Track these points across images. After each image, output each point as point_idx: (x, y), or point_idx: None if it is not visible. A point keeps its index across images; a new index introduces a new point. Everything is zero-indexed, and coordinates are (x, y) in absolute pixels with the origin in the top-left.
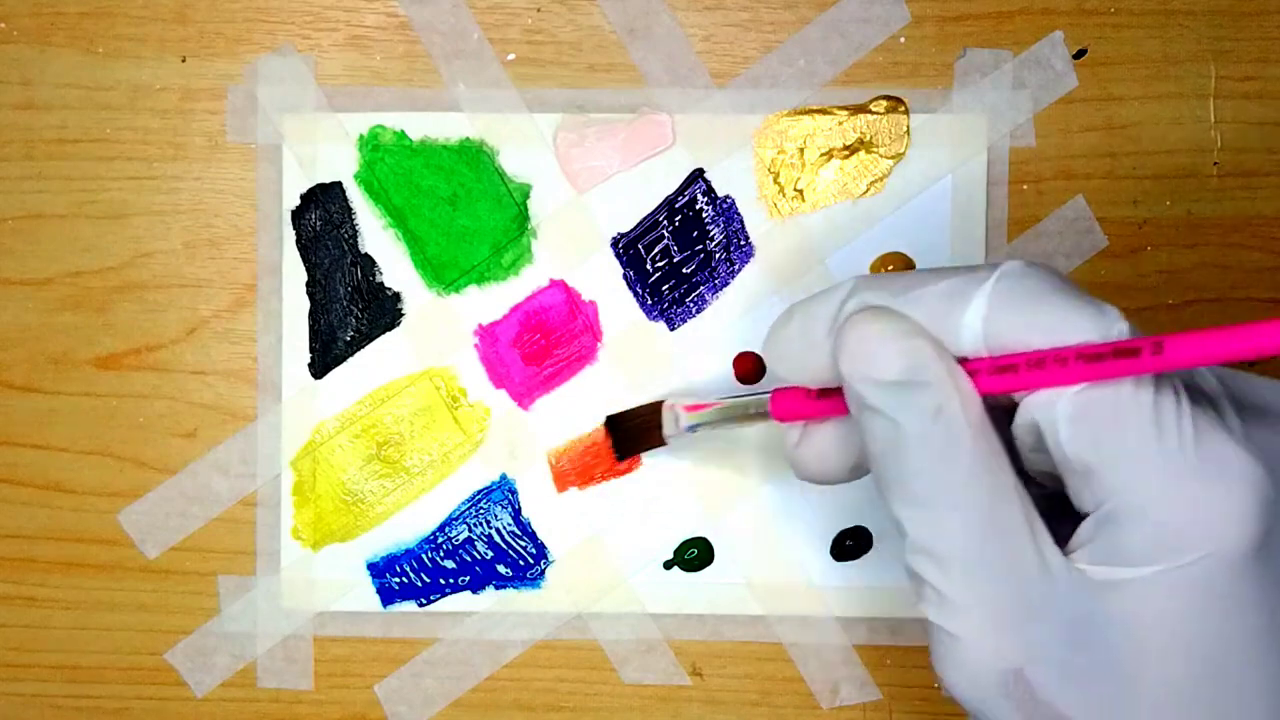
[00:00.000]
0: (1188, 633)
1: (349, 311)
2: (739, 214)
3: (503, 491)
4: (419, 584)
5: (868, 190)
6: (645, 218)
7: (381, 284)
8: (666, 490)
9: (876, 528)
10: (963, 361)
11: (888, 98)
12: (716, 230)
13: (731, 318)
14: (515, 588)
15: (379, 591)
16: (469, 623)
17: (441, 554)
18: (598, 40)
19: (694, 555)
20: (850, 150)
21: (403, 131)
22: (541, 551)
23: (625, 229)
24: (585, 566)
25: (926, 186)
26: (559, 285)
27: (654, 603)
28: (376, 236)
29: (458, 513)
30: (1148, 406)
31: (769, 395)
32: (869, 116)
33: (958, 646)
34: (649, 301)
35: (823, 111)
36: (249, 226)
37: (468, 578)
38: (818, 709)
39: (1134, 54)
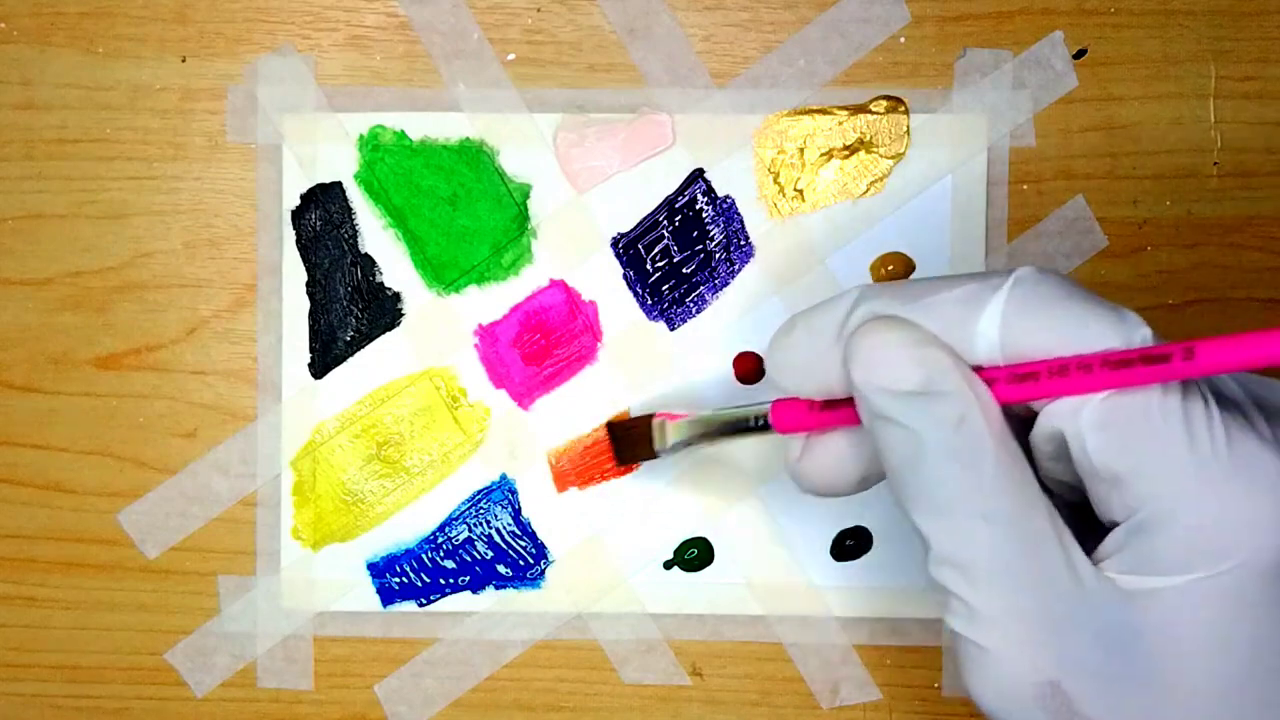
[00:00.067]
0: (1224, 640)
1: (349, 311)
2: (739, 214)
3: (503, 491)
4: (419, 584)
5: (868, 190)
6: (645, 218)
7: (381, 284)
8: (666, 490)
9: (876, 528)
10: (979, 370)
11: (888, 98)
12: (716, 230)
13: (731, 318)
14: (515, 588)
15: (379, 591)
16: (469, 623)
17: (441, 554)
18: (598, 40)
19: (694, 555)
20: (850, 150)
21: (403, 131)
22: (541, 551)
23: (625, 229)
24: (585, 566)
25: (926, 186)
26: (559, 285)
27: (654, 603)
28: (376, 236)
29: (458, 513)
30: (1177, 413)
31: (768, 406)
32: (869, 116)
33: (988, 660)
34: (649, 301)
35: (823, 111)
36: (249, 226)
37: (468, 578)
38: (818, 709)
39: (1134, 54)
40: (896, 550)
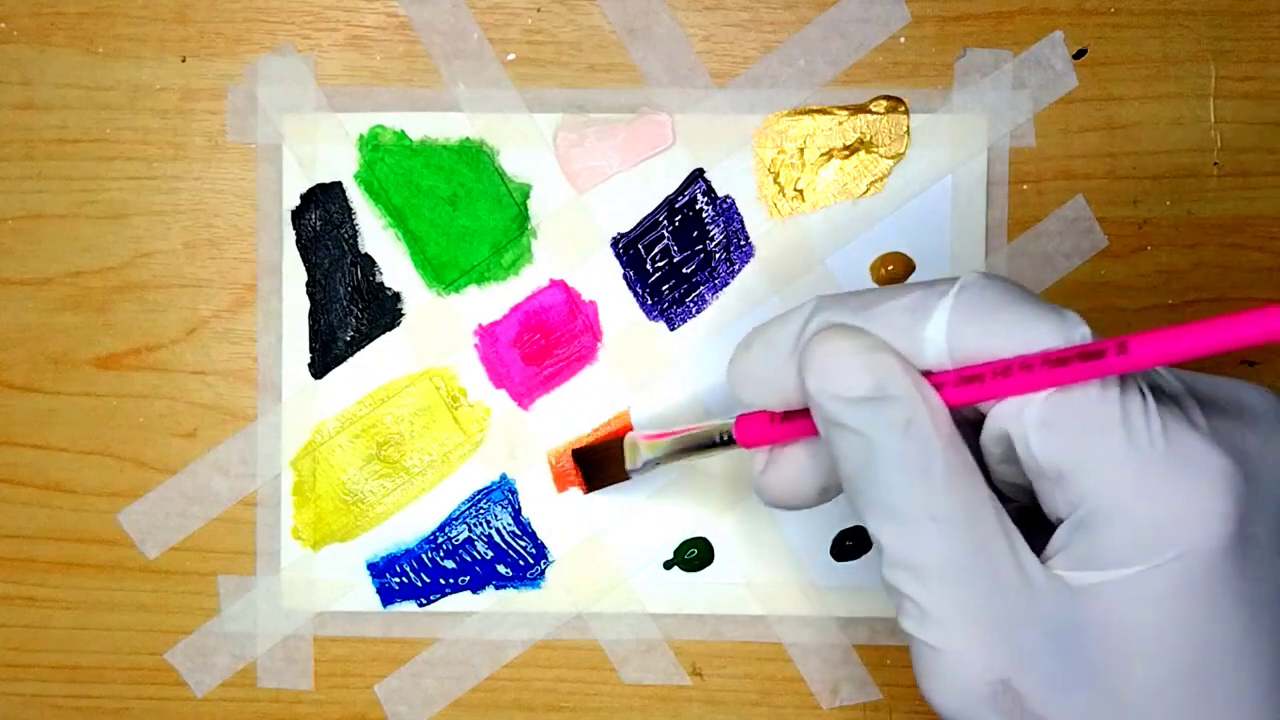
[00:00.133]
0: (1169, 632)
1: (349, 311)
2: (739, 214)
3: (503, 491)
4: (419, 584)
5: (868, 190)
6: (645, 218)
7: (381, 284)
8: (667, 490)
9: None
10: (928, 375)
11: (888, 98)
12: (716, 230)
13: (731, 318)
14: (515, 588)
15: (379, 591)
16: (469, 623)
17: (441, 554)
18: (598, 40)
19: (694, 555)
20: (850, 150)
21: (403, 131)
22: (541, 551)
23: (625, 229)
24: (585, 566)
25: (926, 186)
26: (559, 285)
27: (654, 603)
28: (376, 236)
29: (458, 513)
30: (1115, 408)
31: (733, 421)
32: (869, 116)
33: (940, 660)
34: (649, 301)
35: (823, 111)
36: (249, 226)
37: (468, 578)
38: (818, 709)
39: (1134, 54)
40: None
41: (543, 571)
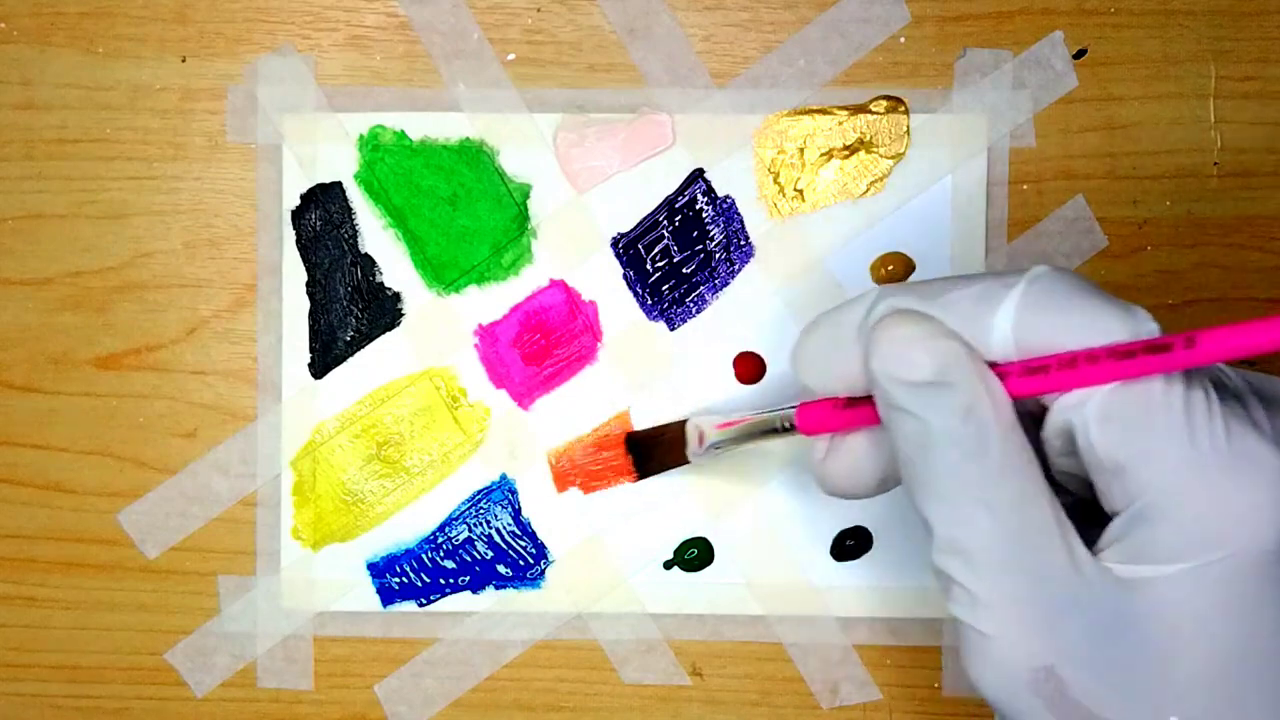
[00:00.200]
0: (1217, 629)
1: (349, 311)
2: (739, 214)
3: (503, 491)
4: (419, 584)
5: (868, 190)
6: (645, 218)
7: (381, 284)
8: (666, 490)
9: (876, 528)
10: (993, 365)
11: (888, 98)
12: (716, 230)
13: (731, 318)
14: (515, 588)
15: (379, 591)
16: (469, 623)
17: (441, 554)
18: (598, 40)
19: (694, 555)
20: (850, 150)
21: (403, 131)
22: (541, 551)
23: (625, 229)
24: (585, 566)
25: (926, 186)
26: (559, 285)
27: (654, 603)
28: (376, 236)
29: (458, 513)
30: (1178, 404)
31: (795, 409)
32: (869, 116)
33: (988, 645)
34: (649, 301)
35: (823, 111)
36: (249, 226)
37: (468, 578)
38: (818, 709)
39: (1134, 54)
40: (896, 550)
41: (543, 571)
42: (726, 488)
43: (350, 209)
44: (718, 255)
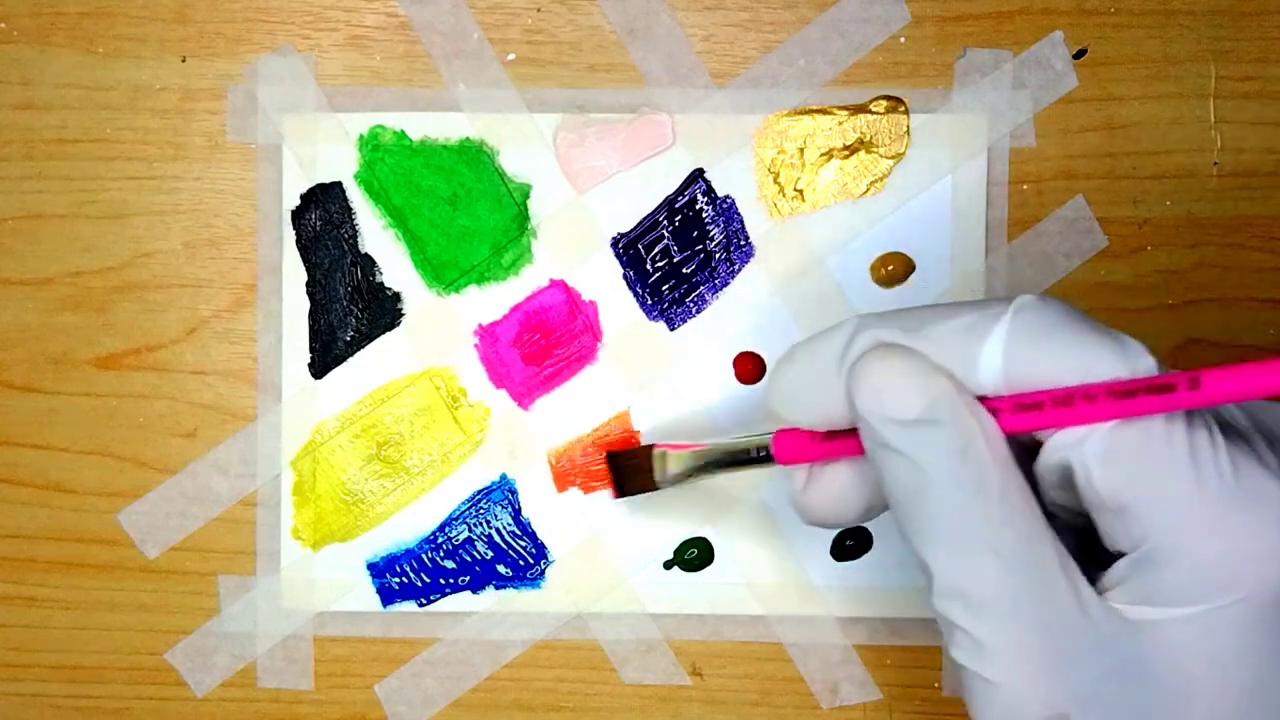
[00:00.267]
0: (1232, 670)
1: (349, 311)
2: (739, 214)
3: (503, 491)
4: (419, 584)
5: (868, 190)
6: (645, 218)
7: (381, 284)
8: (667, 491)
9: (876, 528)
10: (983, 400)
11: (888, 98)
12: (716, 230)
13: (731, 318)
14: (515, 588)
15: (379, 591)
16: (469, 623)
17: (441, 554)
18: (598, 40)
19: (694, 555)
20: (850, 150)
21: (403, 131)
22: (541, 551)
23: (625, 229)
24: (585, 566)
25: (926, 186)
26: (559, 285)
27: (654, 603)
28: (376, 236)
29: (458, 513)
30: (1182, 443)
31: (770, 437)
32: (869, 116)
33: (996, 693)
34: (649, 301)
35: (823, 111)
36: (249, 226)
37: (468, 578)
38: (818, 709)
39: (1134, 54)
40: (896, 550)
41: (543, 571)
42: (726, 488)
43: (350, 209)
44: (718, 255)
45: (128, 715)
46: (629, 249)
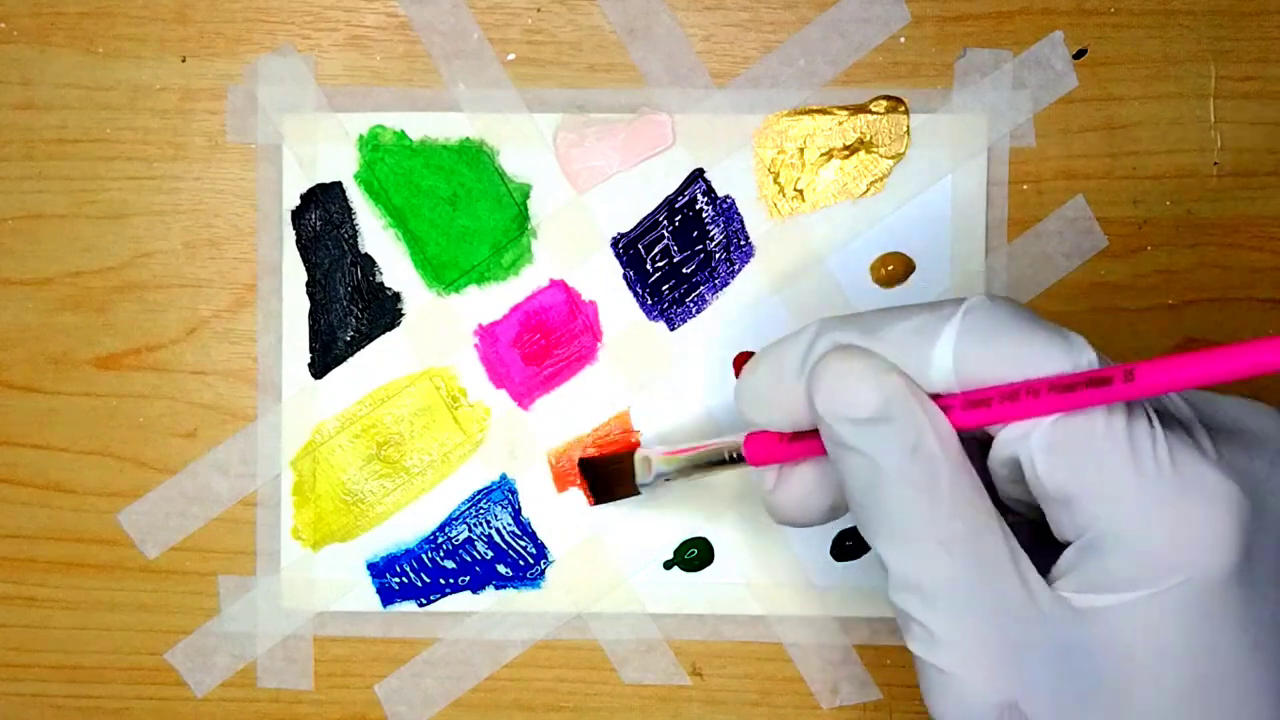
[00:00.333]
0: (1175, 654)
1: (349, 311)
2: (739, 214)
3: (503, 491)
4: (419, 584)
5: (868, 190)
6: (645, 218)
7: (381, 284)
8: (667, 490)
9: None
10: (935, 397)
11: (888, 98)
12: (716, 230)
13: (731, 318)
14: (515, 588)
15: (379, 591)
16: (469, 623)
17: (441, 554)
18: (598, 40)
19: (694, 555)
20: (850, 150)
21: (403, 131)
22: (541, 551)
23: (625, 229)
24: (585, 566)
25: (926, 186)
26: (559, 285)
27: (654, 603)
28: (376, 236)
29: (458, 513)
30: (1122, 434)
31: (743, 439)
32: (869, 116)
33: (948, 681)
34: (649, 301)
35: (823, 111)
36: (249, 226)
37: (468, 578)
38: (818, 709)
39: (1134, 54)
40: None
41: (543, 571)
42: (726, 488)
43: (350, 209)
44: (718, 255)
45: (128, 715)
46: (629, 249)
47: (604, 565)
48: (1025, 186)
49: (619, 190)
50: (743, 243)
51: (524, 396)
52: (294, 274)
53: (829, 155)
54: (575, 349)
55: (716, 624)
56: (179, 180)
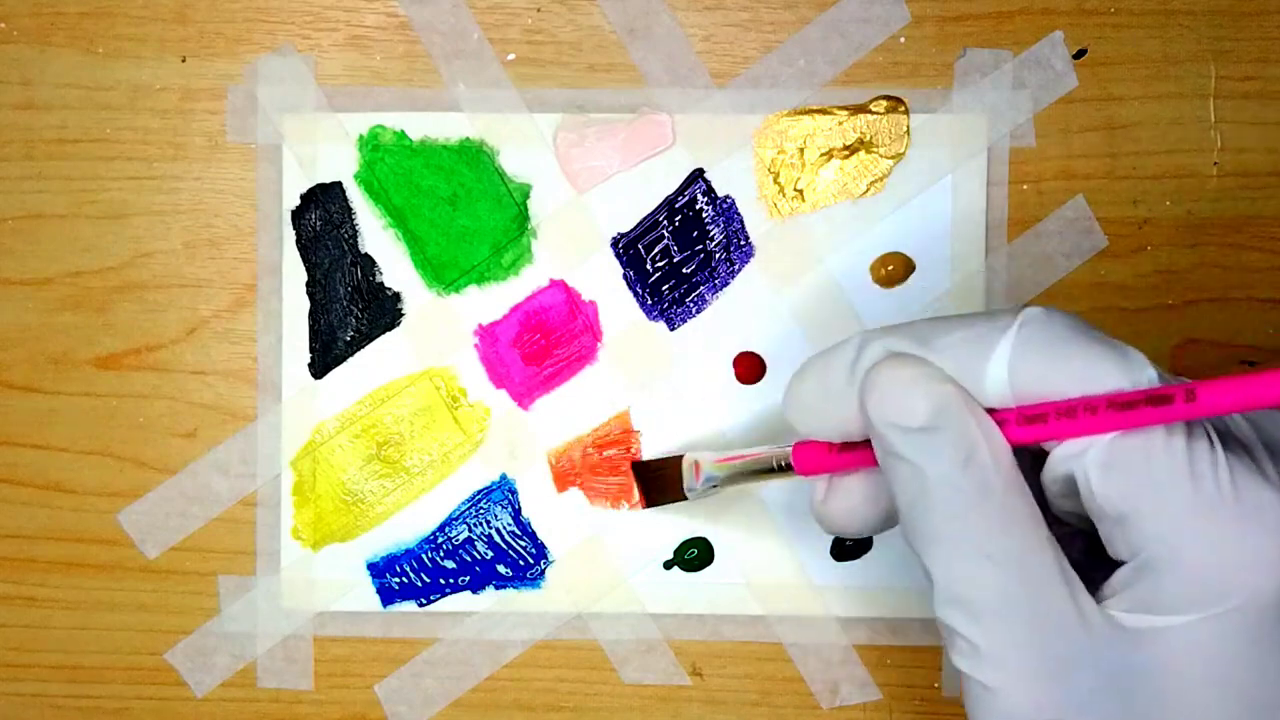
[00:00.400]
0: (1228, 678)
1: (349, 311)
2: (739, 214)
3: (503, 491)
4: (419, 584)
5: (868, 190)
6: (645, 218)
7: (381, 284)
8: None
9: None
10: (990, 411)
11: (888, 98)
12: (716, 230)
13: (731, 318)
14: (515, 588)
15: (379, 591)
16: (469, 623)
17: (441, 554)
18: (598, 40)
19: (694, 555)
20: (850, 150)
21: (403, 131)
22: (541, 551)
23: (625, 229)
24: (585, 566)
25: (926, 186)
26: (559, 285)
27: (654, 603)
28: (376, 236)
29: (458, 513)
30: (1181, 454)
31: (791, 449)
32: (869, 116)
33: (993, 699)
34: (649, 301)
35: (823, 111)
36: (249, 226)
37: (468, 578)
38: (818, 709)
39: (1134, 54)
40: (896, 550)
41: (543, 571)
42: (727, 488)
43: (350, 209)
44: (718, 255)
45: (128, 715)
46: (629, 249)
47: (604, 565)
48: (1025, 186)
49: (619, 190)
50: (743, 243)
51: (524, 396)
52: (294, 274)
53: (829, 155)
54: (575, 349)
55: (716, 624)
56: (179, 180)
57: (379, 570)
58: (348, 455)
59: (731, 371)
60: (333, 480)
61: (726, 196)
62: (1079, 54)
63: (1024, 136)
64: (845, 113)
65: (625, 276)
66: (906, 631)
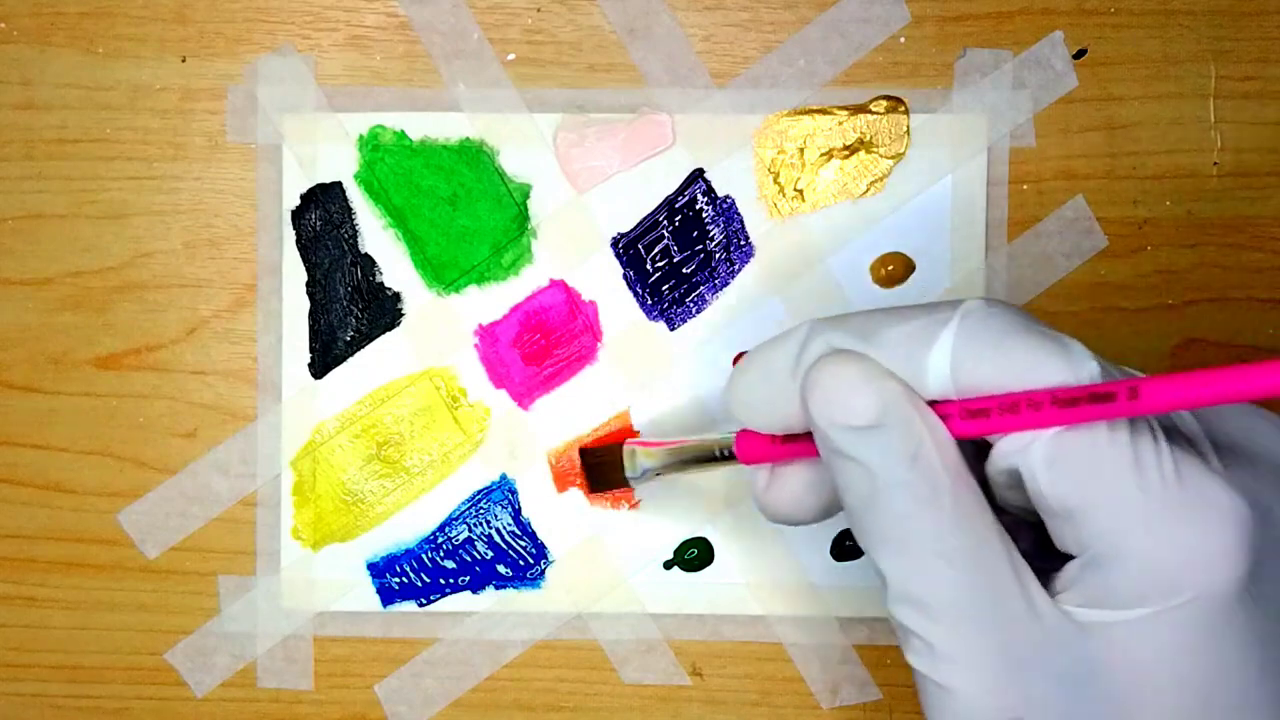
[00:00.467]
0: (1182, 671)
1: (349, 311)
2: (739, 214)
3: (503, 491)
4: (419, 584)
5: (868, 190)
6: (645, 218)
7: (381, 284)
8: (666, 490)
9: None
10: (933, 404)
11: (888, 98)
12: (716, 230)
13: (731, 318)
14: (515, 588)
15: (379, 591)
16: (469, 623)
17: (441, 554)
18: (598, 40)
19: (694, 555)
20: (850, 150)
21: (403, 131)
22: (541, 551)
23: (625, 229)
24: (585, 566)
25: (926, 186)
26: (559, 285)
27: (654, 603)
28: (376, 236)
29: (458, 513)
30: (1126, 448)
31: (734, 436)
32: (869, 116)
33: (949, 698)
34: (649, 301)
35: (823, 111)
36: (249, 226)
37: (468, 578)
38: (818, 709)
39: (1134, 54)
40: None
41: (543, 571)
42: (726, 488)
43: (350, 209)
44: (718, 255)
45: (128, 715)
46: (629, 249)
47: (604, 565)
48: (1025, 186)
49: (619, 190)
50: (743, 243)
51: (524, 396)
52: (294, 274)
53: (829, 155)
54: (575, 349)
55: (716, 624)
56: (179, 180)
57: (379, 570)
58: (348, 455)
59: (731, 371)
60: (333, 480)
61: (726, 196)
62: (1079, 54)
63: (1024, 136)
64: (845, 113)
65: (625, 276)
66: None
